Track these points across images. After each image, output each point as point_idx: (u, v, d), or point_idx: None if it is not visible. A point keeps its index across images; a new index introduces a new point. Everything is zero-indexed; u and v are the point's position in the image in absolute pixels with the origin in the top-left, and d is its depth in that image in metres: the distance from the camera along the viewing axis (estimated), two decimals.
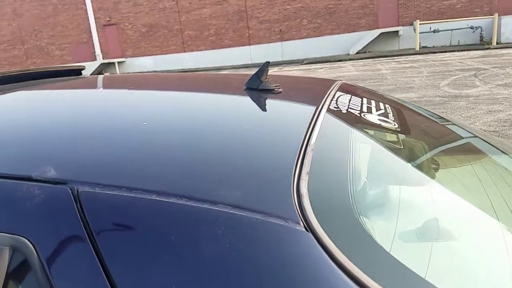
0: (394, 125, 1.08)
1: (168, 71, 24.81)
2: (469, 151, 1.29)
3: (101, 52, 27.40)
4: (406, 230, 0.70)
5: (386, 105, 1.27)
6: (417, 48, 20.31)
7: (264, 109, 1.07)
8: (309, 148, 0.73)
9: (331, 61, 20.31)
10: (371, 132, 1.03)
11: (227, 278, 0.49)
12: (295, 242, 0.52)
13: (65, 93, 1.32)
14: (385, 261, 0.56)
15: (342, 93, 1.28)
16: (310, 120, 0.88)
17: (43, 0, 27.39)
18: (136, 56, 26.88)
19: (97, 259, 0.53)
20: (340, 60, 20.17)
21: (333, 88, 1.33)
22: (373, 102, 1.26)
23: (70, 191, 0.59)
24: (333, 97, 1.18)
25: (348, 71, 15.04)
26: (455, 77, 10.61)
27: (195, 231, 0.54)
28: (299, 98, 1.25)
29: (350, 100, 1.21)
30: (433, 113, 1.63)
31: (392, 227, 0.67)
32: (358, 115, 1.07)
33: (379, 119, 1.08)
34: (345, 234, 0.58)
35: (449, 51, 18.45)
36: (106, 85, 1.52)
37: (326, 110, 1.00)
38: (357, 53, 21.88)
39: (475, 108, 6.99)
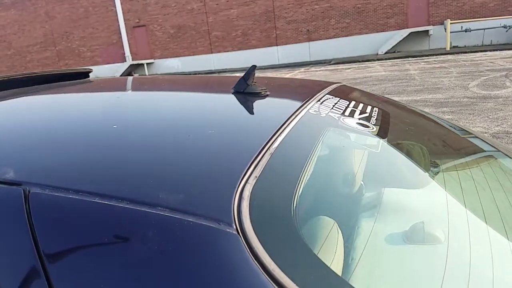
0: (373, 129, 1.07)
1: (195, 73, 25.05)
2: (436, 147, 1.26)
3: (131, 53, 27.94)
4: (344, 235, 0.70)
5: (374, 109, 1.25)
6: (448, 48, 19.85)
7: (241, 113, 1.08)
8: (267, 152, 0.74)
9: (359, 61, 20.09)
10: (344, 136, 1.02)
11: (151, 281, 0.51)
12: (223, 243, 0.54)
13: (40, 98, 1.36)
14: (309, 264, 0.57)
15: (331, 97, 1.27)
16: (281, 124, 0.89)
17: (74, 3, 28.17)
18: (164, 57, 27.28)
19: (38, 259, 0.55)
20: (368, 60, 19.93)
21: (324, 91, 1.32)
22: (360, 106, 1.25)
23: (22, 192, 0.62)
24: (319, 100, 1.17)
25: (375, 71, 14.85)
26: (485, 78, 10.33)
27: (128, 234, 0.56)
28: (282, 102, 1.25)
29: (336, 103, 1.20)
30: (443, 119, 1.60)
31: (326, 231, 0.67)
32: (337, 119, 1.06)
33: (357, 123, 1.06)
34: (276, 237, 0.58)
35: (481, 51, 17.96)
36: (87, 90, 1.54)
37: (303, 114, 1.00)
38: (386, 53, 21.57)
39: (503, 109, 6.78)
